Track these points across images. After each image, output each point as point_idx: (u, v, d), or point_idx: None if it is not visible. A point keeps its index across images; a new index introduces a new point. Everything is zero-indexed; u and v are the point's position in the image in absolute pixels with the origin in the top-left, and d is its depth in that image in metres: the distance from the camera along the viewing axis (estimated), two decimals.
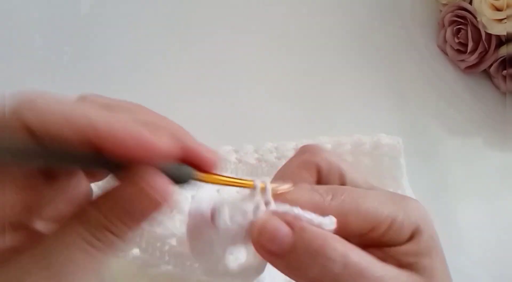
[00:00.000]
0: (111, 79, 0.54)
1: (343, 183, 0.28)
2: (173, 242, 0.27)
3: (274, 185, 0.25)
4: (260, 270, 0.26)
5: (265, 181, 0.25)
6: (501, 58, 0.58)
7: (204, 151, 0.24)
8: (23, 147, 0.21)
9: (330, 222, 0.24)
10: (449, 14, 0.61)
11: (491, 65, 0.59)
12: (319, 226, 0.24)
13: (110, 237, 0.22)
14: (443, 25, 0.62)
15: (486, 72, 0.61)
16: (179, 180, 0.23)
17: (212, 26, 0.61)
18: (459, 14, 0.59)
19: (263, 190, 0.25)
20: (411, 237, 0.25)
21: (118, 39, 0.58)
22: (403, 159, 0.49)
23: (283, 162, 0.49)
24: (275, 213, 0.24)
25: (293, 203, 0.24)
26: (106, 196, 0.22)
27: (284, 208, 0.24)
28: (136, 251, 0.28)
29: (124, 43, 0.58)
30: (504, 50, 0.57)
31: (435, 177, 0.53)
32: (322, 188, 0.26)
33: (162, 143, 0.22)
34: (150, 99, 0.53)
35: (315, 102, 0.56)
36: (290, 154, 0.50)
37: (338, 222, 0.24)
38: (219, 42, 0.59)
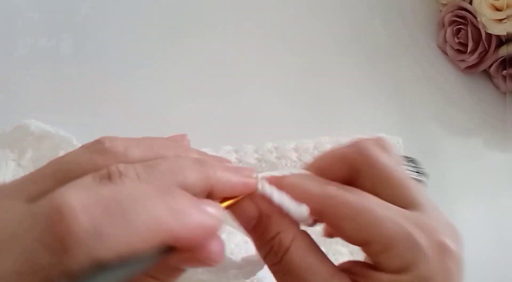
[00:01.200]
0: (111, 79, 0.54)
1: (376, 191, 0.25)
2: None
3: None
4: (262, 263, 0.26)
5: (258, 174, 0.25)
6: (501, 58, 0.58)
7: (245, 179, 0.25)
8: None
9: (300, 211, 0.24)
10: (449, 14, 0.61)
11: (491, 65, 0.59)
12: (288, 213, 0.24)
13: None
14: (443, 25, 0.62)
15: (486, 72, 0.61)
16: None
17: (212, 26, 0.61)
18: (459, 14, 0.59)
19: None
20: (397, 271, 0.23)
21: (118, 39, 0.58)
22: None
23: (283, 162, 0.50)
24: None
25: (287, 188, 0.25)
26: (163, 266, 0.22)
27: (269, 189, 0.25)
28: None
29: (124, 43, 0.58)
30: (504, 50, 0.57)
31: (435, 177, 0.53)
32: (332, 186, 0.25)
33: (216, 216, 0.22)
34: (150, 99, 0.53)
35: (315, 102, 0.56)
36: (290, 154, 0.50)
37: (334, 224, 0.24)
38: (219, 42, 0.59)
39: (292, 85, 0.57)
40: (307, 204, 0.24)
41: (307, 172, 0.27)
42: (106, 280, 0.17)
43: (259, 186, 0.25)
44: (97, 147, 0.22)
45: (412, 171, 0.39)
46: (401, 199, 0.25)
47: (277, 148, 0.50)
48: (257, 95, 0.56)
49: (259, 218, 0.25)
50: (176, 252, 0.20)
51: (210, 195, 0.23)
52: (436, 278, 0.22)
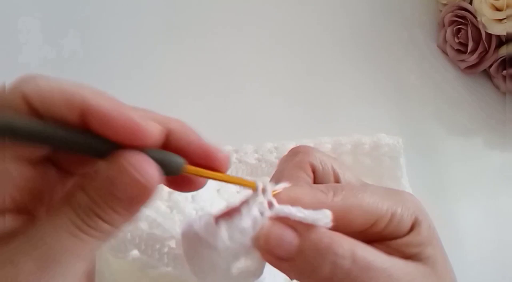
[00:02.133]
0: (111, 79, 0.54)
1: (337, 181, 0.29)
2: (172, 244, 0.27)
3: (272, 185, 0.25)
4: (258, 273, 0.26)
5: (264, 181, 0.25)
6: (501, 58, 0.58)
7: (208, 146, 0.24)
8: (22, 123, 0.21)
9: (324, 216, 0.24)
10: (449, 14, 0.61)
11: (491, 65, 0.59)
12: (314, 222, 0.23)
13: (99, 223, 0.21)
14: (443, 25, 0.62)
15: (486, 72, 0.61)
16: (169, 169, 0.23)
17: (212, 26, 0.61)
18: (459, 14, 0.59)
19: (263, 191, 0.24)
20: (411, 229, 0.26)
21: (119, 40, 0.58)
22: (403, 159, 0.49)
23: None
24: (277, 218, 0.24)
25: (296, 201, 0.24)
26: (92, 178, 0.22)
27: (286, 208, 0.24)
28: (135, 252, 0.28)
29: (124, 44, 0.58)
30: (504, 50, 0.57)
31: (435, 177, 0.53)
32: (321, 186, 0.26)
33: (151, 127, 0.22)
34: (150, 99, 0.53)
35: (315, 102, 0.56)
36: None
37: (342, 219, 0.24)
38: (219, 42, 0.59)
39: (292, 86, 0.57)
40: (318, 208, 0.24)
41: (297, 177, 0.27)
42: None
43: (278, 207, 0.24)
44: None
45: None
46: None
47: (277, 148, 0.50)
48: (257, 95, 0.56)
49: (298, 243, 0.24)
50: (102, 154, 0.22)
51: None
52: (433, 225, 0.27)
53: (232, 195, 0.37)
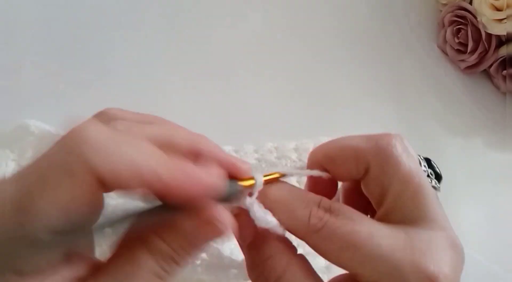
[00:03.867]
0: (111, 79, 0.54)
1: (383, 196, 0.25)
2: None
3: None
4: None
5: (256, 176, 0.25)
6: (501, 58, 0.58)
7: (238, 161, 0.25)
8: (115, 218, 0.21)
9: (267, 221, 0.24)
10: (449, 14, 0.61)
11: (491, 65, 0.59)
12: (267, 227, 0.24)
13: (174, 267, 0.22)
14: (443, 25, 0.62)
15: (486, 72, 0.61)
16: (232, 199, 0.24)
17: (212, 26, 0.61)
18: (459, 14, 0.59)
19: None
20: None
21: (119, 40, 0.58)
22: None
23: (283, 162, 0.50)
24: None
25: (271, 205, 0.24)
26: (171, 227, 0.22)
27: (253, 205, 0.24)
28: None
29: (124, 43, 0.58)
30: (504, 50, 0.57)
31: None
32: (319, 211, 0.24)
33: (216, 179, 0.22)
34: (150, 99, 0.53)
35: (315, 102, 0.56)
36: (290, 154, 0.50)
37: (320, 253, 0.24)
38: (219, 42, 0.60)
39: (292, 86, 0.57)
40: (292, 230, 0.24)
41: (309, 171, 0.27)
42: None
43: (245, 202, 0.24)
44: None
45: (427, 172, 0.38)
46: (413, 210, 0.24)
47: (277, 148, 0.50)
48: (257, 95, 0.56)
49: (255, 236, 0.24)
50: (178, 210, 0.21)
51: (196, 159, 0.23)
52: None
53: None
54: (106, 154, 0.19)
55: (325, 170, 0.26)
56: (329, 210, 0.23)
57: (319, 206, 0.24)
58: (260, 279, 0.24)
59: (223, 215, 0.22)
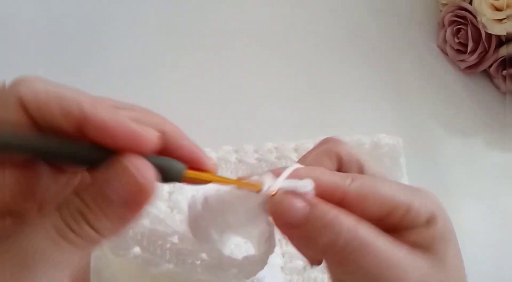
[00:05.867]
0: (111, 79, 0.54)
1: (361, 173, 0.29)
2: (175, 239, 0.27)
3: (273, 181, 0.25)
4: (263, 262, 0.26)
5: (266, 178, 0.25)
6: (501, 58, 0.58)
7: (199, 152, 0.24)
8: (18, 138, 0.21)
9: (304, 185, 0.24)
10: (449, 14, 0.61)
11: (491, 65, 0.59)
12: (295, 189, 0.24)
13: (85, 228, 0.20)
14: (443, 25, 0.62)
15: (486, 72, 0.61)
16: (170, 175, 0.23)
17: (212, 26, 0.61)
18: (459, 14, 0.59)
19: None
20: (427, 223, 0.26)
21: (119, 40, 0.58)
22: (403, 159, 0.49)
23: (283, 162, 0.50)
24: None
25: (314, 181, 0.25)
26: (89, 181, 0.21)
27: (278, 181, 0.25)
28: (137, 249, 0.28)
29: (125, 43, 0.58)
30: (504, 50, 0.57)
31: (435, 177, 0.53)
32: (342, 173, 0.26)
33: (149, 134, 0.22)
34: (150, 100, 0.53)
35: (315, 102, 0.56)
36: (290, 154, 0.50)
37: (357, 205, 0.25)
38: (219, 42, 0.60)
39: (292, 86, 0.57)
40: (331, 192, 0.25)
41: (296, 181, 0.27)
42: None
43: (264, 187, 0.24)
44: None
45: None
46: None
47: (277, 148, 0.50)
48: (257, 95, 0.56)
49: (308, 204, 0.24)
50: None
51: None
52: (450, 224, 0.26)
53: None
54: (33, 86, 0.21)
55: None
56: (349, 175, 0.26)
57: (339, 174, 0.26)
58: (321, 244, 0.24)
59: (144, 167, 0.21)
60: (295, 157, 0.49)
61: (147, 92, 0.54)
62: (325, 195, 0.25)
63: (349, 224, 0.24)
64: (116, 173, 0.21)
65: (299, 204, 0.24)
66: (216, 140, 0.49)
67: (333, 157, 0.29)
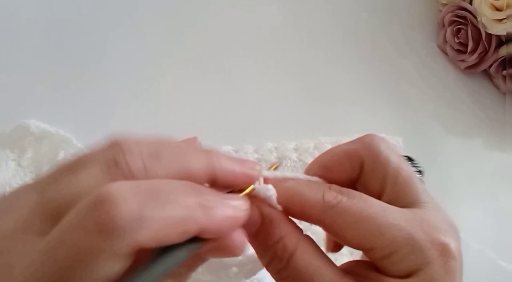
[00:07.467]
0: (111, 79, 0.54)
1: (383, 184, 0.26)
2: None
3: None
4: (255, 269, 0.26)
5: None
6: (501, 58, 0.58)
7: (247, 170, 0.24)
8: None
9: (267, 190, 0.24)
10: (449, 14, 0.61)
11: (491, 65, 0.59)
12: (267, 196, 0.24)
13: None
14: (443, 25, 0.62)
15: (486, 72, 0.61)
16: None
17: (213, 27, 0.61)
18: (459, 14, 0.59)
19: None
20: (407, 276, 0.23)
21: (119, 40, 0.58)
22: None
23: (283, 162, 0.50)
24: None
25: (286, 194, 0.25)
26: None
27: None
28: None
29: (125, 43, 0.58)
30: (504, 50, 0.57)
31: (435, 177, 0.53)
32: (332, 192, 0.25)
33: (243, 213, 0.22)
34: (150, 100, 0.53)
35: (315, 102, 0.56)
36: (290, 154, 0.50)
37: (335, 232, 0.24)
38: (219, 42, 0.60)
39: (292, 86, 0.57)
40: (307, 213, 0.24)
41: (307, 177, 0.27)
42: (149, 275, 0.19)
43: (256, 184, 0.24)
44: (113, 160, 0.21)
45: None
46: (406, 197, 0.25)
47: (277, 148, 0.50)
48: (257, 95, 0.56)
49: (261, 223, 0.25)
50: (204, 243, 0.21)
51: (213, 183, 0.23)
52: (440, 280, 0.23)
53: None
54: (141, 224, 0.18)
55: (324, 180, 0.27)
56: (340, 192, 0.24)
57: (330, 189, 0.25)
58: (273, 262, 0.24)
59: (240, 238, 0.22)
60: (295, 157, 0.49)
61: (146, 92, 0.54)
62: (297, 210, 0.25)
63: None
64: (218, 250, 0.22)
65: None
66: (216, 140, 0.49)
67: (356, 161, 0.26)
